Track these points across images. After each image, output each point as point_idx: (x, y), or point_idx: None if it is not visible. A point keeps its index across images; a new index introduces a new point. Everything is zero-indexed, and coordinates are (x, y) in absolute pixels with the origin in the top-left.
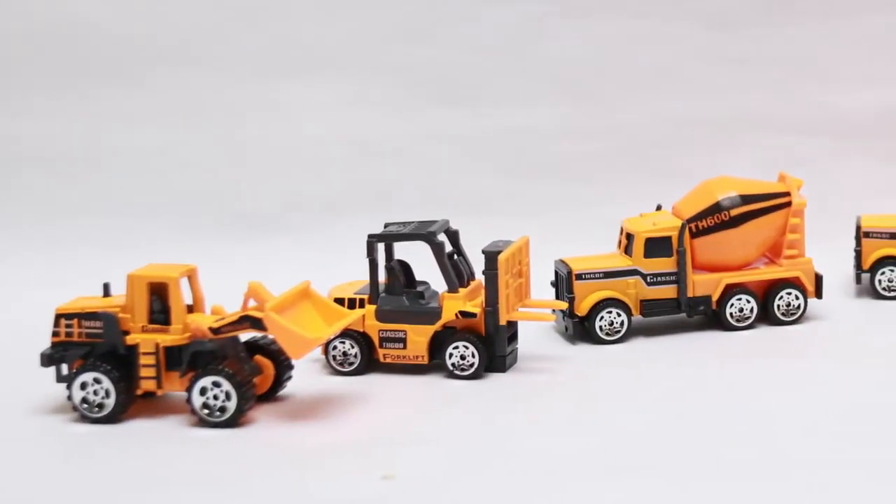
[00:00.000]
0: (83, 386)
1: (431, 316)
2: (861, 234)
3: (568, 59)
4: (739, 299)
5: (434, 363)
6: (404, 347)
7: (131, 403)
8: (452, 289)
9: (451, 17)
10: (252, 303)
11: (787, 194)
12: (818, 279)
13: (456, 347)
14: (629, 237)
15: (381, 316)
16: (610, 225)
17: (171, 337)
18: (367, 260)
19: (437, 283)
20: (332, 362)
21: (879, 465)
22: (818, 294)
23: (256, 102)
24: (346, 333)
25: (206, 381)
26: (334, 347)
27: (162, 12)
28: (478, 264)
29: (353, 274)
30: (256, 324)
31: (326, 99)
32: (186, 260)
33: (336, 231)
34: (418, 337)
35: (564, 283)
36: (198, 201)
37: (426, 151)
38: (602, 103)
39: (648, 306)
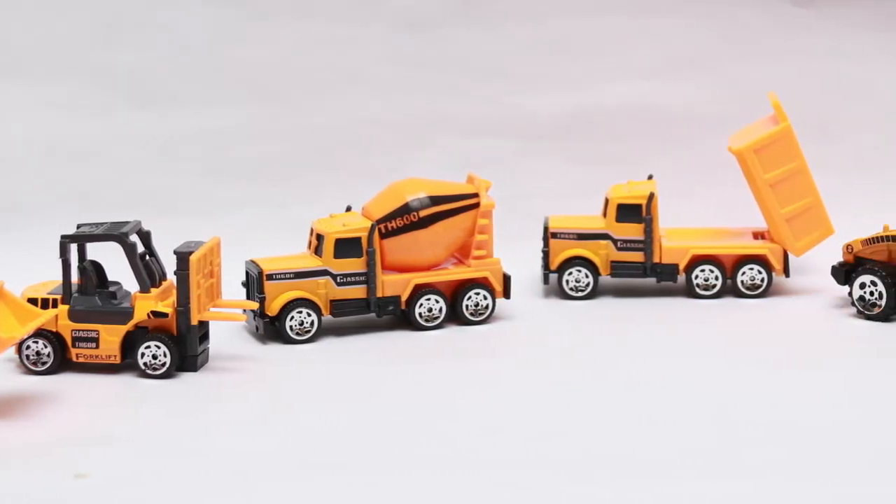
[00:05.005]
0: None
1: (123, 316)
2: (549, 235)
3: (256, 62)
4: (428, 299)
5: (127, 362)
6: (97, 347)
7: None
8: (144, 289)
9: (142, 19)
10: None
11: (476, 195)
12: (506, 279)
13: (148, 347)
14: (319, 238)
15: (73, 316)
16: (300, 226)
17: None
18: (60, 260)
19: (130, 283)
20: (26, 362)
21: (561, 463)
22: (506, 294)
23: None
24: (39, 333)
25: None
26: (27, 347)
27: None
28: (170, 265)
29: (47, 274)
30: None
31: (17, 100)
32: None
33: (29, 232)
34: (111, 336)
35: (255, 283)
36: None
37: (118, 153)
38: (290, 105)
39: (338, 306)
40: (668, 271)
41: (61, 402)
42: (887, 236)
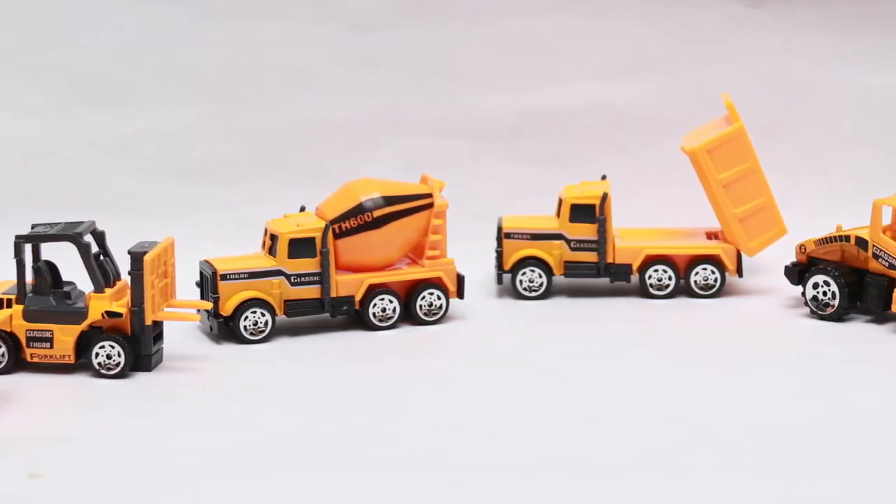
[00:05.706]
0: None
1: (78, 316)
2: (502, 235)
3: (209, 62)
4: (382, 299)
5: (81, 362)
6: (51, 347)
7: None
8: (98, 289)
9: (94, 18)
10: None
11: (430, 196)
12: (460, 279)
13: (102, 347)
14: (273, 238)
15: (28, 316)
16: (254, 226)
17: None
18: (14, 260)
19: (84, 283)
20: None
21: (513, 463)
22: (460, 294)
23: None
24: None
25: None
26: None
27: None
28: (124, 265)
29: (1, 275)
30: None
31: None
32: None
33: None
34: (65, 336)
35: (209, 283)
36: None
37: (71, 153)
38: (243, 105)
39: (292, 306)
40: (622, 271)
41: (15, 402)
42: (840, 236)
